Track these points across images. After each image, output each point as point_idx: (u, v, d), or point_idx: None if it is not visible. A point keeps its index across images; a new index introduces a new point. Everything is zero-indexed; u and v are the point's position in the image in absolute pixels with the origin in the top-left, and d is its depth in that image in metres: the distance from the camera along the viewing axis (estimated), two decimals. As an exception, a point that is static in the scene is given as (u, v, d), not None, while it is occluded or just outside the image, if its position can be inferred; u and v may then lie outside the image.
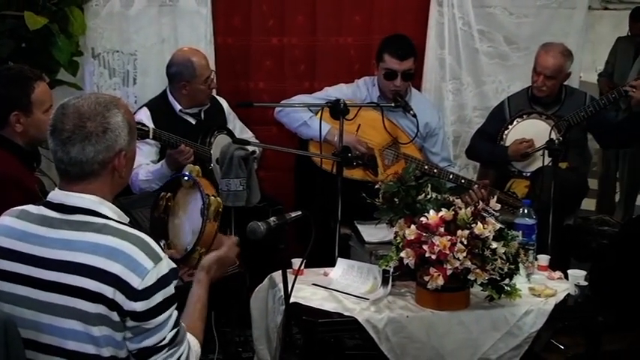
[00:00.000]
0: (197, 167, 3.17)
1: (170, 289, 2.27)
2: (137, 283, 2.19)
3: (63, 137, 2.28)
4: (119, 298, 2.18)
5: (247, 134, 5.12)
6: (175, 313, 2.32)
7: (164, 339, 2.27)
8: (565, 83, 5.25)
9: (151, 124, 4.50)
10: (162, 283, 2.23)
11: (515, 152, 5.03)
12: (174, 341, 2.30)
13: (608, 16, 7.00)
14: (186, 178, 3.10)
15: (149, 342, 2.25)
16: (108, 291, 2.18)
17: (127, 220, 2.38)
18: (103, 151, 2.30)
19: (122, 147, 2.34)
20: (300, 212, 3.03)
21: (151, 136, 4.32)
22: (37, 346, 2.29)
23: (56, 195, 2.36)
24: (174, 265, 2.33)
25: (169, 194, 3.13)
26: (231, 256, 2.84)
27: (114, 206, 2.36)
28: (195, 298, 2.59)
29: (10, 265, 2.31)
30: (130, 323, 2.22)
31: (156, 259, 2.23)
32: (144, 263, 2.20)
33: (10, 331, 2.24)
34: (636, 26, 6.78)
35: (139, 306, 2.19)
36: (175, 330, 2.31)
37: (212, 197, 2.99)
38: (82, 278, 2.20)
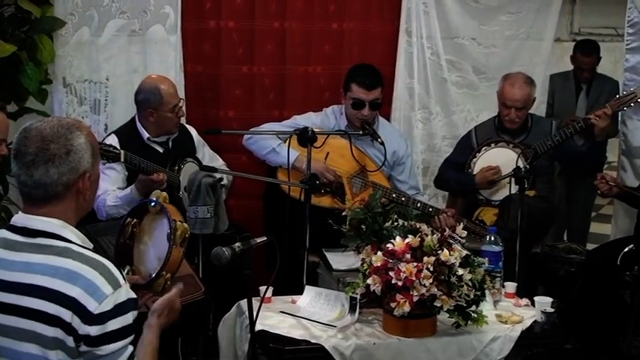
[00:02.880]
0: (164, 193, 3.16)
1: (127, 319, 2.25)
2: (94, 307, 2.17)
3: (26, 160, 2.28)
4: (76, 322, 2.17)
5: (218, 162, 5.10)
6: (131, 347, 2.30)
7: None
8: (532, 113, 5.31)
9: (119, 152, 4.49)
10: (118, 310, 2.22)
11: (482, 180, 5.06)
12: None
13: (576, 48, 7.04)
14: (152, 204, 3.10)
15: None
16: (66, 314, 2.16)
17: (90, 245, 2.37)
18: (67, 173, 2.29)
19: (86, 169, 2.33)
20: (265, 238, 3.02)
21: (122, 159, 4.29)
22: None
23: (19, 218, 2.35)
24: (134, 295, 2.32)
25: (135, 220, 3.12)
26: (178, 304, 2.73)
27: (77, 231, 2.35)
28: (147, 341, 2.51)
29: None
30: (83, 348, 2.20)
31: (115, 285, 2.22)
32: (102, 288, 2.19)
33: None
34: (585, 60, 6.69)
35: (93, 330, 2.17)
36: None
37: (178, 222, 2.99)
38: (41, 301, 2.18)
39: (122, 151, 4.33)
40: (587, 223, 6.83)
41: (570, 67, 6.82)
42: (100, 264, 2.24)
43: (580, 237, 6.57)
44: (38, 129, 2.31)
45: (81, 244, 2.31)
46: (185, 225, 3.00)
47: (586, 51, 6.61)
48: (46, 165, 2.27)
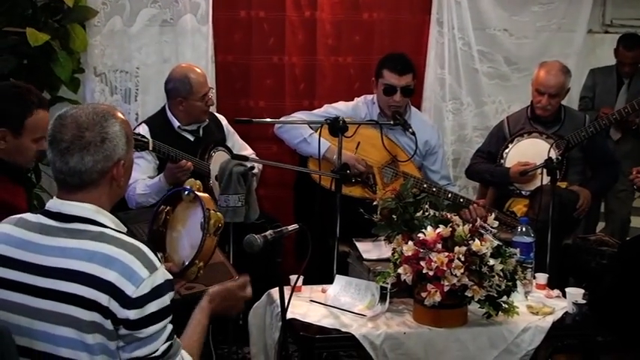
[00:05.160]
0: (198, 182, 3.16)
1: (164, 300, 2.26)
2: (131, 291, 2.18)
3: (61, 147, 2.29)
4: (113, 305, 2.18)
5: (247, 151, 5.12)
6: (170, 326, 2.31)
7: (156, 351, 2.26)
8: (565, 104, 5.28)
9: (149, 140, 4.51)
10: (156, 292, 2.23)
11: (516, 173, 5.03)
12: (167, 354, 2.29)
13: (609, 40, 6.92)
14: (186, 192, 3.10)
15: (141, 352, 2.24)
16: (103, 298, 2.18)
17: (124, 229, 2.38)
18: (102, 160, 2.31)
19: (120, 156, 2.35)
20: (297, 226, 3.02)
21: (150, 148, 4.32)
22: (32, 353, 2.28)
23: (54, 204, 2.36)
24: (170, 277, 2.33)
25: (168, 207, 3.12)
26: (238, 295, 2.81)
27: (111, 215, 2.37)
28: (195, 321, 2.58)
29: (6, 272, 2.31)
30: (122, 331, 2.21)
31: (151, 268, 2.23)
32: (139, 272, 2.20)
33: (5, 339, 2.24)
34: (628, 54, 6.59)
35: (132, 314, 2.19)
36: (168, 343, 2.30)
37: (212, 211, 2.99)
38: (78, 285, 2.19)
39: (150, 139, 4.35)
40: (625, 216, 6.73)
41: (605, 60, 6.74)
42: (136, 247, 2.25)
43: (622, 230, 6.52)
44: (73, 116, 2.32)
45: (115, 228, 2.33)
46: (219, 214, 3.00)
47: (629, 45, 6.49)
48: (81, 153, 2.28)
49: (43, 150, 3.57)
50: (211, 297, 2.68)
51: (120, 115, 2.41)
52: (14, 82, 3.68)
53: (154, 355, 2.26)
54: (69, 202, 2.33)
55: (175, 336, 2.35)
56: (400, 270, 3.40)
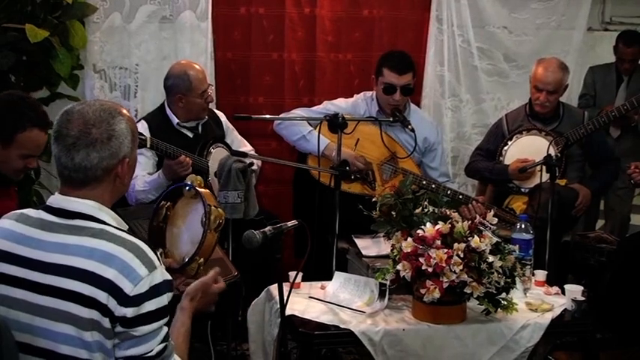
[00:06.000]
0: (199, 177, 3.16)
1: (162, 300, 2.26)
2: (129, 289, 2.18)
3: (68, 143, 2.29)
4: (112, 303, 2.18)
5: (246, 147, 5.11)
6: (165, 328, 2.30)
7: (151, 351, 2.25)
8: (564, 101, 5.27)
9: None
10: (154, 291, 2.22)
11: (515, 170, 5.03)
12: (162, 355, 2.28)
13: (608, 38, 6.91)
14: (187, 188, 3.10)
15: (135, 351, 2.24)
16: (102, 296, 2.17)
17: (125, 227, 2.38)
18: (107, 157, 2.31)
19: (125, 154, 2.35)
20: (296, 222, 3.02)
21: (148, 145, 4.32)
22: (32, 349, 2.28)
23: (56, 199, 2.36)
24: (170, 277, 2.32)
25: (169, 203, 3.12)
26: (214, 288, 2.76)
27: (113, 213, 2.37)
28: (179, 323, 2.55)
29: (7, 267, 2.31)
30: (118, 329, 2.21)
31: (150, 267, 2.23)
32: (138, 270, 2.20)
33: (4, 335, 2.24)
34: (627, 51, 6.58)
35: (129, 312, 2.18)
36: (164, 344, 2.29)
37: (213, 207, 2.99)
38: (77, 282, 2.19)
39: (148, 137, 4.35)
40: (625, 214, 6.73)
41: (605, 58, 6.72)
42: (136, 246, 2.25)
43: (621, 228, 6.51)
44: (81, 112, 2.32)
45: (116, 225, 2.33)
46: (220, 210, 3.00)
47: (628, 41, 6.46)
48: (87, 149, 2.28)
49: (32, 167, 3.55)
50: (191, 296, 2.64)
51: (126, 112, 2.41)
52: (21, 94, 3.63)
53: (148, 354, 2.25)
54: (71, 199, 2.33)
55: (170, 338, 2.35)
56: (399, 266, 3.40)
